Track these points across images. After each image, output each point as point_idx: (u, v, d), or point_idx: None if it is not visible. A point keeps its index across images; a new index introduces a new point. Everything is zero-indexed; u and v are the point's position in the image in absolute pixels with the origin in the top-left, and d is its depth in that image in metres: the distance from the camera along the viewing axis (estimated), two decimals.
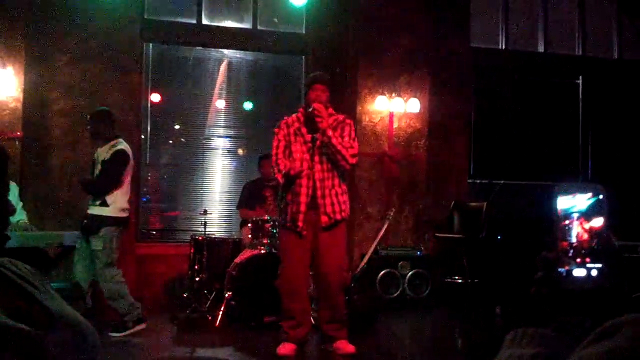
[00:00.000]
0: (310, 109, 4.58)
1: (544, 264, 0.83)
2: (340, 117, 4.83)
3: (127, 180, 5.41)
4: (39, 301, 0.86)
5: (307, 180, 4.62)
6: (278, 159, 4.70)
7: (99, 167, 5.39)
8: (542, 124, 8.92)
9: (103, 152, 5.42)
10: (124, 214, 5.37)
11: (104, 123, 5.45)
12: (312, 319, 4.98)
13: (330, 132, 4.57)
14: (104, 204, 5.27)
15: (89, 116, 5.58)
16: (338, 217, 4.66)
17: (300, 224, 4.60)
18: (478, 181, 8.48)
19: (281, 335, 4.78)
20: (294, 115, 4.84)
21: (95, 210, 5.30)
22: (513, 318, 5.61)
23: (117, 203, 5.31)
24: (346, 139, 4.68)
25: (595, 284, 0.81)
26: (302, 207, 4.60)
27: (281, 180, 4.64)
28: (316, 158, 4.65)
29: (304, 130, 4.70)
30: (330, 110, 4.76)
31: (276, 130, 4.82)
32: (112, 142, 5.41)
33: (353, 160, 4.70)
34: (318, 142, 4.62)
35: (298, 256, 4.68)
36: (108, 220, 5.25)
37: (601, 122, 9.13)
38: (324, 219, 4.61)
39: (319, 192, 4.61)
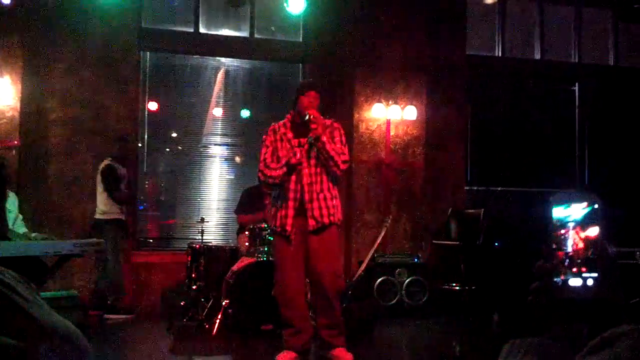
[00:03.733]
0: (306, 117, 4.59)
1: (540, 274, 0.84)
2: (328, 121, 4.82)
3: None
4: (26, 312, 0.86)
5: (294, 185, 4.62)
6: (267, 164, 4.70)
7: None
8: (539, 131, 8.94)
9: None
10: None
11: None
12: (312, 326, 4.94)
13: (324, 138, 4.58)
14: None
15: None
16: (326, 220, 4.61)
17: (288, 228, 4.59)
18: (475, 188, 8.49)
19: (282, 344, 4.75)
20: (281, 121, 4.86)
21: None
22: (511, 325, 5.61)
23: None
24: (338, 145, 4.69)
25: (592, 293, 0.81)
26: (291, 212, 4.60)
27: (280, 172, 4.59)
28: (304, 162, 4.65)
29: (290, 135, 4.72)
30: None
31: (264, 137, 4.84)
32: None
33: (344, 166, 4.71)
34: (306, 146, 4.61)
35: (291, 263, 4.65)
36: None
37: (598, 129, 9.15)
38: (311, 222, 4.58)
39: (306, 196, 4.60)
